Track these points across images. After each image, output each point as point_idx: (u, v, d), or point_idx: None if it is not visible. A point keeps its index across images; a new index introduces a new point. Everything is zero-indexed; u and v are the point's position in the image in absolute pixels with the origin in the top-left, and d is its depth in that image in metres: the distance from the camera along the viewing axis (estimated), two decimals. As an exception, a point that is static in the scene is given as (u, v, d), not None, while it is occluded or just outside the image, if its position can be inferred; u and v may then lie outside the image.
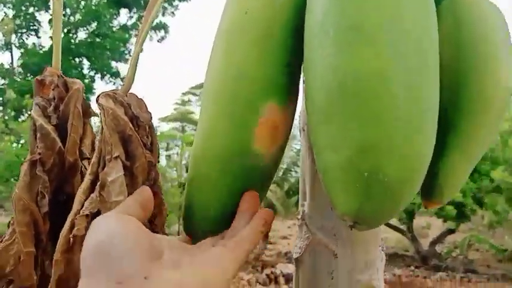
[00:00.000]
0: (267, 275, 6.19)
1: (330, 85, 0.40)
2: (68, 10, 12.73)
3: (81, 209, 0.49)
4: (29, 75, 12.49)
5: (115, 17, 13.27)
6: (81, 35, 13.01)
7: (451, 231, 7.85)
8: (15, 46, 12.67)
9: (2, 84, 12.19)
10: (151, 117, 0.54)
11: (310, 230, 0.51)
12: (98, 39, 12.65)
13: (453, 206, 6.61)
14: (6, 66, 12.57)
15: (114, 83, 13.28)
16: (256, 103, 0.47)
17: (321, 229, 0.50)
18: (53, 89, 0.57)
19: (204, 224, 0.49)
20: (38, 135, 0.54)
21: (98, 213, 0.48)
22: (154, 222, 0.53)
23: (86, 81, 13.36)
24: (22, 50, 12.71)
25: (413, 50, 0.40)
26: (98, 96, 0.52)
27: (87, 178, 0.50)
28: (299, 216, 0.54)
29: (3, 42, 12.19)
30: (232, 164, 0.47)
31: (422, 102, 0.40)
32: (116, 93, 0.51)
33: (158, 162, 0.55)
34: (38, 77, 0.58)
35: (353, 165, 0.38)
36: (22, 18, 12.35)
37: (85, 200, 0.50)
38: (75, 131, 0.55)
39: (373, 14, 0.40)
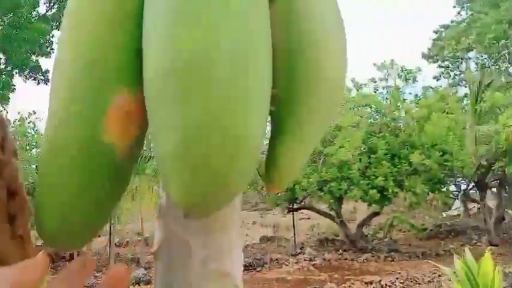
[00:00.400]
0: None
1: (158, 66, 0.39)
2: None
3: None
4: None
5: (34, 7, 12.51)
6: (-4, 26, 12.16)
7: (375, 214, 8.22)
8: None
9: None
10: (1, 113, 0.52)
11: (164, 221, 0.51)
12: (14, 31, 11.87)
13: (376, 190, 6.91)
14: None
15: (34, 78, 12.53)
16: (106, 91, 0.44)
17: (175, 220, 0.50)
18: None
19: (53, 225, 0.46)
20: None
21: None
22: (15, 223, 0.50)
23: (3, 77, 12.53)
24: None
25: (239, 31, 0.40)
26: None
27: None
28: (157, 210, 0.54)
29: None
30: (81, 156, 0.45)
31: (251, 83, 0.39)
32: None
33: (17, 159, 0.52)
34: None
35: (180, 150, 0.37)
36: None
37: None
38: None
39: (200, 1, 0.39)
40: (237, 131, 0.38)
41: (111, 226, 7.15)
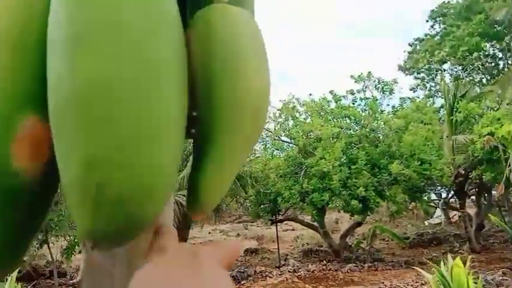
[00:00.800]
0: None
1: (58, 95, 0.38)
2: None
3: None
4: None
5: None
6: None
7: (358, 224, 8.24)
8: None
9: None
10: None
11: (87, 249, 0.51)
12: None
13: (357, 200, 6.94)
14: None
15: None
16: (13, 117, 0.43)
17: (99, 251, 0.50)
18: None
19: None
20: None
21: None
22: None
23: None
24: None
25: (137, 58, 0.39)
26: None
27: None
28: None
29: None
30: None
31: (154, 111, 0.39)
32: None
33: None
34: None
35: (81, 182, 0.37)
36: None
37: None
38: None
39: (96, 23, 0.39)
40: (142, 162, 0.38)
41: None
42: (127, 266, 0.50)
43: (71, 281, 6.97)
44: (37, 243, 6.83)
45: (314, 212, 7.50)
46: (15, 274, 3.81)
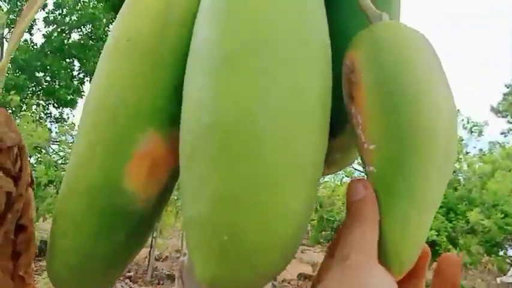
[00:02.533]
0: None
1: (198, 121, 0.34)
2: (64, 10, 12.68)
3: None
4: (17, 71, 12.34)
5: (111, 21, 13.25)
6: (75, 36, 12.94)
7: (424, 269, 7.81)
8: (7, 40, 12.54)
9: (-10, 78, 12.00)
10: (20, 138, 0.48)
11: (184, 284, 0.44)
12: (91, 42, 12.59)
13: (427, 244, 6.56)
14: (-4, 59, 12.40)
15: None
16: (135, 132, 0.40)
17: (196, 285, 0.44)
18: None
19: (63, 272, 0.42)
20: None
21: None
22: (19, 262, 0.45)
23: (75, 82, 13.25)
24: (13, 45, 12.57)
25: (289, 89, 0.34)
26: None
27: None
28: (178, 267, 0.47)
29: (-6, 36, 12.06)
30: (99, 202, 0.40)
31: (299, 150, 0.34)
32: (-30, 108, 0.45)
33: (33, 188, 0.48)
34: None
35: (209, 222, 0.32)
36: (16, 13, 12.26)
37: None
38: None
39: (249, 44, 0.34)
40: (280, 208, 0.33)
41: (153, 239, 7.20)
42: None
43: (128, 273, 7.17)
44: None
45: None
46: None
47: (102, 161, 0.41)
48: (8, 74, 12.21)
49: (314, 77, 0.36)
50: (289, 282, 8.98)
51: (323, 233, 7.97)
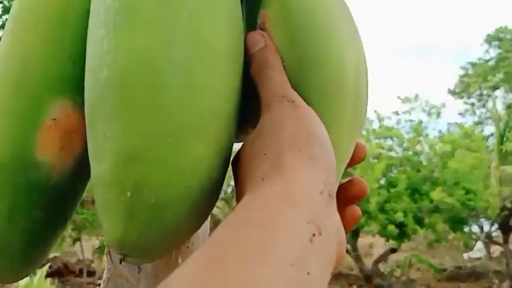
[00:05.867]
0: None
1: (97, 76, 0.33)
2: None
3: None
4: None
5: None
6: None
7: (393, 251, 7.97)
8: None
9: None
10: None
11: (112, 259, 0.43)
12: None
13: (394, 225, 6.73)
14: None
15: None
16: (43, 100, 0.38)
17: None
18: None
19: None
20: None
21: None
22: None
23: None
24: None
25: (192, 38, 0.33)
26: None
27: None
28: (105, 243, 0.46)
29: None
30: (10, 178, 0.38)
31: (204, 102, 0.33)
32: None
33: None
34: None
35: (114, 180, 0.31)
36: None
37: None
38: None
39: None
40: (187, 160, 0.31)
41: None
42: (154, 281, 0.42)
43: (99, 280, 7.02)
44: (70, 240, 6.97)
45: (347, 234, 7.32)
46: (45, 269, 3.89)
47: (10, 133, 0.38)
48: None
49: (219, 29, 0.35)
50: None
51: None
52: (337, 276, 8.77)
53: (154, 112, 0.31)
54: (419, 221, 6.95)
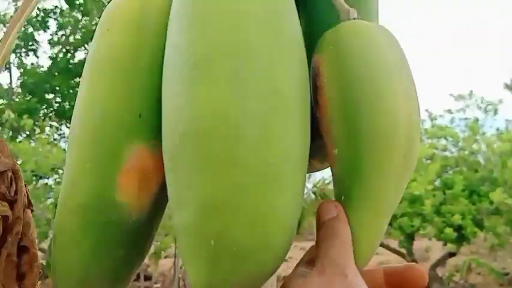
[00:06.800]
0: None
1: (175, 129, 0.35)
2: (67, 30, 12.83)
3: None
4: (27, 95, 12.52)
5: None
6: (80, 54, 13.09)
7: (451, 255, 7.70)
8: (14, 66, 12.73)
9: (1, 104, 12.21)
10: (13, 162, 0.46)
11: (185, 283, 0.44)
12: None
13: (452, 229, 6.50)
14: (5, 86, 12.62)
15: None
16: (121, 145, 0.41)
17: None
18: None
19: None
20: None
21: None
22: (23, 282, 0.45)
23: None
24: (21, 70, 12.77)
25: (265, 91, 0.34)
26: None
27: None
28: (180, 275, 0.46)
29: (2, 63, 12.23)
30: (94, 218, 0.41)
31: (280, 151, 0.34)
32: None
33: (32, 210, 0.47)
34: None
35: (197, 228, 0.33)
36: (21, 38, 12.45)
37: None
38: None
39: (219, 47, 0.34)
40: (266, 209, 0.33)
41: (176, 249, 7.24)
42: None
43: (155, 285, 7.22)
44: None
45: (402, 237, 7.15)
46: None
47: (92, 177, 0.41)
48: (19, 98, 12.41)
49: (290, 77, 0.36)
50: None
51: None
52: (392, 281, 8.53)
53: (232, 164, 0.32)
54: (478, 224, 6.67)
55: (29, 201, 0.47)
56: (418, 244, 9.00)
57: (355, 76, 0.38)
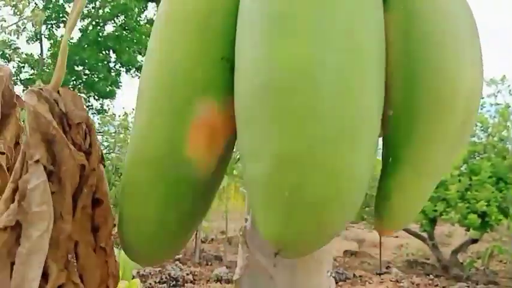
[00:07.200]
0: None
1: (252, 81, 0.35)
2: (97, 3, 12.90)
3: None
4: (57, 66, 12.71)
5: (143, 10, 13.39)
6: (109, 28, 13.18)
7: (474, 241, 7.60)
8: (45, 37, 12.91)
9: (32, 75, 12.45)
10: (87, 116, 0.50)
11: (249, 249, 0.45)
12: (125, 33, 12.79)
13: (477, 215, 6.40)
14: (36, 56, 12.83)
15: (139, 77, 13.41)
16: (192, 100, 0.41)
17: (260, 249, 0.44)
18: (-25, 75, 0.52)
19: (137, 241, 0.45)
20: None
21: (17, 226, 0.43)
22: (98, 234, 0.48)
23: (113, 74, 13.53)
24: (51, 41, 12.95)
25: (345, 46, 0.34)
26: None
27: (9, 186, 0.45)
28: (241, 233, 0.48)
29: (33, 33, 12.44)
30: (163, 172, 0.42)
31: (357, 107, 0.34)
32: (42, 89, 0.46)
33: (104, 165, 0.50)
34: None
35: (273, 180, 0.33)
36: (52, 9, 12.57)
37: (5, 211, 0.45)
38: (-12, 123, 0.50)
39: (302, 3, 0.34)
40: (343, 163, 0.33)
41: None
42: (290, 272, 0.43)
43: (176, 256, 7.35)
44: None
45: (424, 221, 7.07)
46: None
47: (163, 133, 0.42)
48: (49, 69, 12.61)
49: (369, 34, 0.36)
50: (335, 259, 8.99)
51: (367, 208, 7.89)
52: (411, 264, 8.54)
53: (310, 117, 0.33)
54: (503, 211, 6.56)
55: (101, 156, 0.50)
56: (440, 229, 8.91)
57: (422, 40, 0.38)
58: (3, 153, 0.52)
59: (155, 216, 0.42)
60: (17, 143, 0.54)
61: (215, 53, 0.41)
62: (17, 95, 0.58)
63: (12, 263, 0.42)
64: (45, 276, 0.41)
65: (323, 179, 0.32)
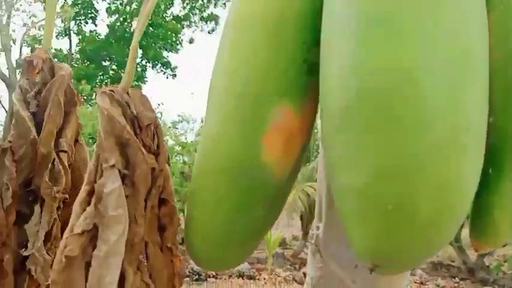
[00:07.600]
0: (304, 273, 6.09)
1: (348, 86, 0.33)
2: (124, 0, 13.05)
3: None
4: (85, 61, 12.93)
5: (169, 7, 13.48)
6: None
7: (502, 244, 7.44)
8: (74, 32, 13.12)
9: (60, 69, 12.65)
10: (155, 116, 0.49)
11: (322, 259, 0.44)
12: (151, 29, 12.91)
13: (506, 218, 6.24)
14: (65, 51, 13.06)
15: (164, 73, 13.53)
16: (267, 105, 0.40)
17: (336, 259, 0.43)
18: (37, 73, 0.52)
19: (205, 248, 0.44)
20: (13, 121, 0.48)
21: (94, 229, 0.43)
22: (164, 234, 0.48)
23: (139, 69, 13.68)
24: (80, 37, 13.16)
25: (453, 49, 0.32)
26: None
27: (84, 188, 0.46)
28: (312, 241, 0.47)
29: (62, 29, 12.66)
30: (239, 178, 0.41)
31: (466, 113, 0.32)
32: (113, 91, 0.46)
33: (169, 164, 0.50)
34: (28, 56, 0.52)
35: (373, 193, 0.31)
36: (80, 5, 12.77)
37: (82, 214, 0.45)
38: (52, 121, 0.49)
39: (406, 3, 0.32)
40: (454, 174, 0.31)
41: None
42: (371, 285, 0.41)
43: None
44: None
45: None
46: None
47: (237, 139, 0.41)
48: (78, 64, 12.83)
49: (476, 37, 0.34)
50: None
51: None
52: (436, 266, 8.41)
53: (418, 126, 0.30)
54: (534, 215, 6.37)
55: (167, 156, 0.50)
56: (466, 231, 8.64)
57: None
58: (65, 152, 0.52)
59: (225, 224, 0.42)
60: (76, 141, 0.55)
61: (289, 55, 0.40)
62: (77, 93, 0.58)
63: (87, 263, 0.43)
64: (121, 279, 0.42)
65: (433, 191, 0.30)
